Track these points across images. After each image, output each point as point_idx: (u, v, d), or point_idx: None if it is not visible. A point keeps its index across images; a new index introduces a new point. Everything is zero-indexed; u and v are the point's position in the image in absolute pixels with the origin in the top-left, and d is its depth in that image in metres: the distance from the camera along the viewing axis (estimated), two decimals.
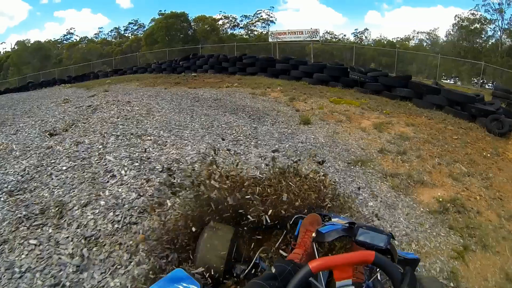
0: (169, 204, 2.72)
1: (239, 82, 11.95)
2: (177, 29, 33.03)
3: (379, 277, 1.70)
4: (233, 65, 14.50)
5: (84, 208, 2.86)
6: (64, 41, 40.06)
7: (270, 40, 20.97)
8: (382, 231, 1.64)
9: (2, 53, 40.92)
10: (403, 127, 6.84)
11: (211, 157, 3.23)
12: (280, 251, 2.39)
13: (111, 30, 42.34)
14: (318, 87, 11.00)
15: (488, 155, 5.97)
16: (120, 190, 3.07)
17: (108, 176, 3.33)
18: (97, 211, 2.81)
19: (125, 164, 3.52)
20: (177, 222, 2.35)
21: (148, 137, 4.44)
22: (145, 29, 36.62)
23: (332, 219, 2.11)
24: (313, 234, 1.88)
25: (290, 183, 2.61)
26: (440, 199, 4.09)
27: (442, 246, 3.31)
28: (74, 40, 39.72)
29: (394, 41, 34.44)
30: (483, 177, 5.02)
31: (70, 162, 3.69)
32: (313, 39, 19.87)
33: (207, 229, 2.20)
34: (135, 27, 39.45)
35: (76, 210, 2.85)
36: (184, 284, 1.57)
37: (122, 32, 40.29)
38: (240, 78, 13.09)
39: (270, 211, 2.34)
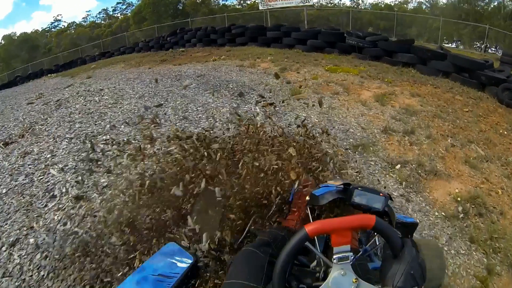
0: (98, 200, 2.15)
1: (227, 54, 11.15)
2: (165, 4, 31.49)
3: (377, 242, 1.65)
4: (222, 37, 13.68)
5: (11, 249, 2.31)
6: (52, 29, 38.15)
7: (260, 8, 19.44)
8: (379, 191, 1.54)
9: None
10: (408, 98, 6.09)
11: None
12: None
13: (99, 12, 40.73)
14: (313, 54, 10.19)
15: (505, 132, 5.26)
16: (56, 217, 2.49)
17: (47, 197, 2.75)
18: (24, 252, 2.24)
19: (69, 179, 2.92)
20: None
21: (104, 136, 3.78)
22: (133, 7, 35.06)
23: (328, 182, 1.91)
24: (307, 198, 1.77)
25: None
26: (458, 198, 3.39)
27: (462, 271, 2.61)
28: (62, 27, 37.92)
29: (392, 4, 32.74)
30: (502, 162, 4.31)
31: (12, 182, 3.12)
32: (306, 4, 18.48)
33: (198, 201, 2.06)
34: (124, 7, 37.71)
35: (4, 251, 2.30)
36: (177, 258, 1.53)
37: (111, 13, 38.45)
38: (229, 49, 12.34)
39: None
